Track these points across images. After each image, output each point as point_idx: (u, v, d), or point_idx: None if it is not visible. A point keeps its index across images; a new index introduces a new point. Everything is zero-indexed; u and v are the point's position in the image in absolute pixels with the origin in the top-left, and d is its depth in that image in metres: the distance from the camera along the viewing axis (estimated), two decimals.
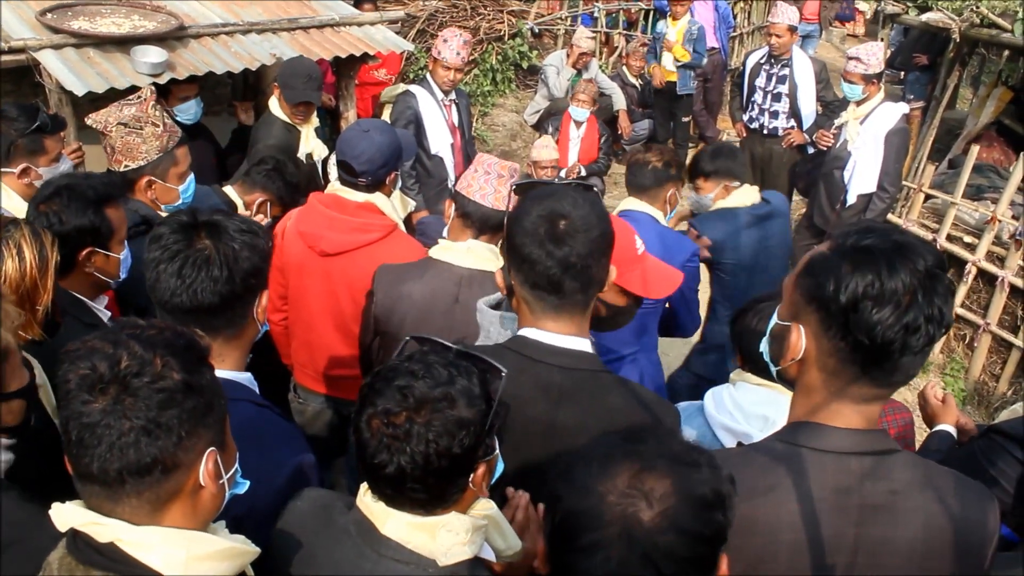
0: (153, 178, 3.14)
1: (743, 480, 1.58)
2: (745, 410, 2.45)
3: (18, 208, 3.15)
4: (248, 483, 1.55)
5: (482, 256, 2.82)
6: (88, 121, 3.10)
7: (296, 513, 1.73)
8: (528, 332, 1.97)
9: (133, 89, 4.44)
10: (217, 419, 1.42)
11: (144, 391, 1.30)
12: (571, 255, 1.86)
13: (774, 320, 1.72)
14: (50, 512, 1.36)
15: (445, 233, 3.01)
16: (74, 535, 1.36)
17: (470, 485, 1.60)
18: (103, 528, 1.32)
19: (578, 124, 7.47)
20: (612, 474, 1.29)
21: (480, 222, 2.84)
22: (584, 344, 1.98)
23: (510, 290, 2.01)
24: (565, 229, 1.86)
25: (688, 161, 4.37)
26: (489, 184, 2.85)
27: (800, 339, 1.61)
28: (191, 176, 3.32)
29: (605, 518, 1.26)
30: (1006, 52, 7.69)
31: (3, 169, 3.25)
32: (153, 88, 3.25)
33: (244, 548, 1.45)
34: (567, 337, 1.95)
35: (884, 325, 1.48)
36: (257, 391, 2.13)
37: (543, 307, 1.94)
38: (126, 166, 3.11)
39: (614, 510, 1.26)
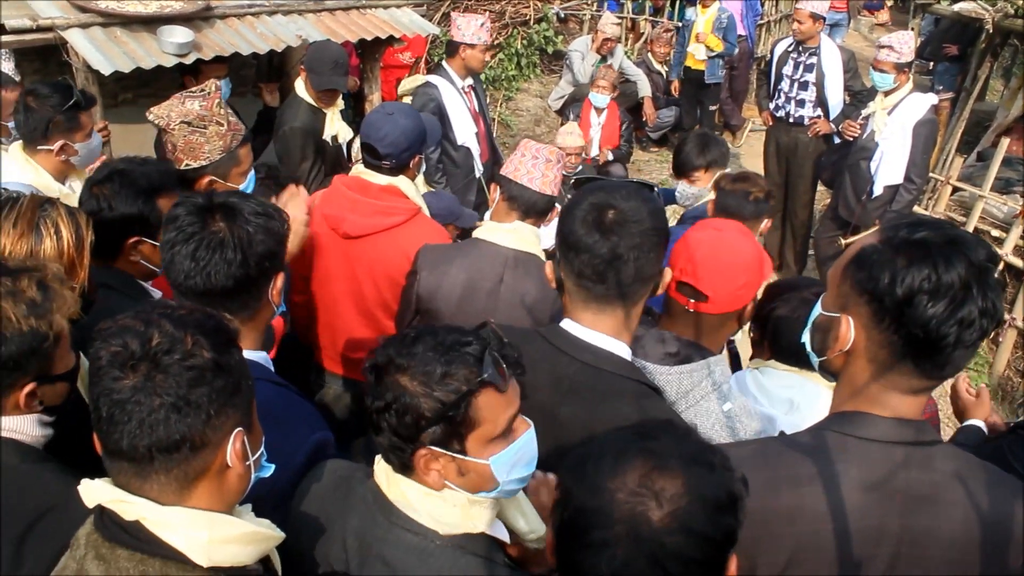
0: (215, 178, 3.05)
1: (788, 467, 1.59)
2: (771, 393, 2.43)
3: (47, 186, 3.17)
4: (273, 467, 1.56)
5: (526, 238, 2.85)
6: (150, 116, 3.03)
7: (316, 483, 1.76)
8: (565, 323, 1.97)
9: (159, 69, 4.47)
10: (245, 400, 1.43)
11: (175, 368, 1.31)
12: (618, 245, 1.85)
13: (818, 310, 1.71)
14: (79, 488, 1.37)
15: (487, 216, 3.02)
16: (101, 512, 1.37)
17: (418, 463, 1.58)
18: (129, 506, 1.34)
19: (599, 111, 7.44)
20: (623, 471, 1.28)
21: (526, 206, 2.86)
22: (619, 347, 1.95)
23: (559, 283, 1.99)
24: (614, 219, 1.86)
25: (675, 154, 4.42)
26: (537, 168, 2.86)
27: (849, 330, 1.60)
28: (251, 174, 3.24)
29: (613, 516, 1.25)
30: None
31: (40, 147, 3.27)
32: (218, 84, 3.20)
33: (268, 533, 1.46)
34: (602, 336, 1.93)
35: (939, 319, 1.47)
36: (272, 370, 2.15)
37: (585, 299, 1.92)
38: (187, 165, 3.02)
39: (623, 508, 1.25)
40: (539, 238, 2.90)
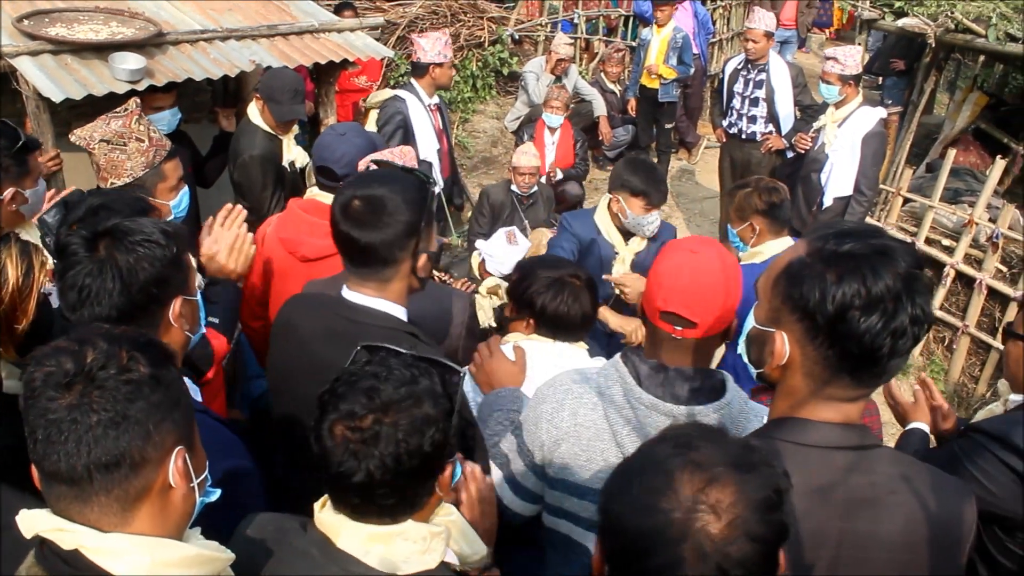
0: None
1: None
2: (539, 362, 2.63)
3: None
4: (220, 492, 1.52)
5: None
6: (72, 138, 2.99)
7: (243, 541, 1.66)
8: (343, 289, 2.28)
9: (112, 96, 4.43)
10: (185, 418, 1.41)
11: (111, 382, 1.29)
12: (352, 232, 2.15)
13: (751, 323, 1.71)
14: (17, 519, 1.33)
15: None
16: (41, 543, 1.33)
17: (436, 490, 1.61)
18: (67, 535, 1.30)
19: (552, 130, 7.48)
20: (675, 490, 1.24)
21: None
22: (386, 305, 2.23)
23: None
24: (356, 208, 2.14)
25: (638, 182, 4.08)
26: None
27: (784, 346, 1.61)
28: (184, 190, 3.21)
29: (674, 536, 1.22)
30: (981, 57, 7.78)
31: None
32: (138, 101, 3.15)
33: (215, 555, 1.42)
34: (365, 296, 2.23)
35: (873, 332, 1.49)
36: (199, 398, 2.12)
37: (346, 267, 2.27)
38: (112, 183, 3.01)
39: (682, 527, 1.22)
40: None
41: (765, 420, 2.01)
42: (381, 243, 2.14)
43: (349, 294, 2.24)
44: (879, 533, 1.60)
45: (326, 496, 1.61)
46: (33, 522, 1.32)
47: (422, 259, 2.22)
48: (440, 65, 5.39)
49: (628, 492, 1.29)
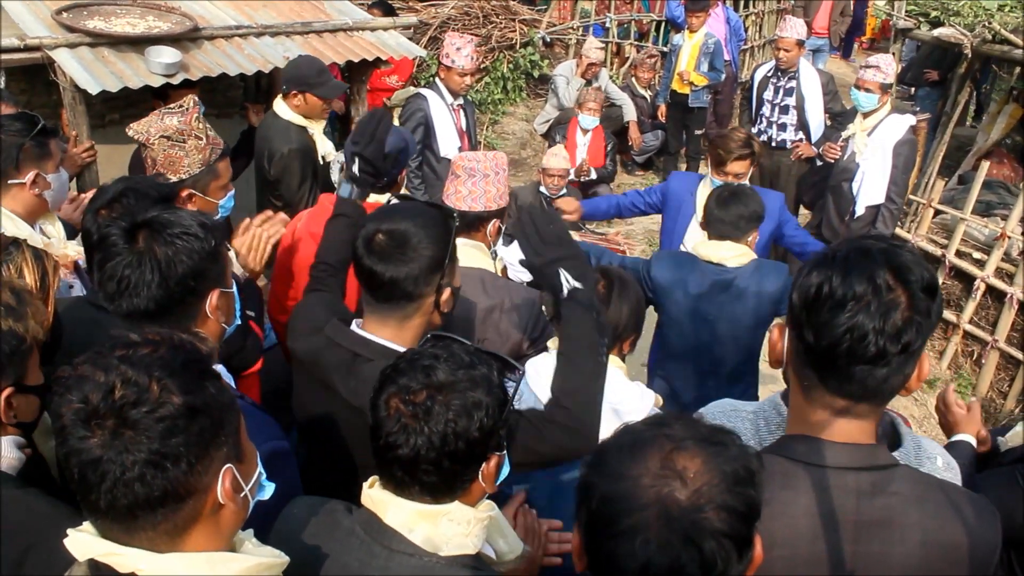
0: (194, 191, 3.03)
1: None
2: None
3: (23, 232, 2.84)
4: (274, 485, 1.50)
5: (469, 255, 2.93)
6: (129, 132, 3.01)
7: (293, 522, 1.71)
8: (354, 324, 2.25)
9: (147, 89, 4.48)
10: (230, 433, 1.34)
11: (144, 422, 1.22)
12: (375, 267, 2.12)
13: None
14: (65, 542, 1.29)
15: None
16: (95, 563, 1.29)
17: (479, 478, 1.64)
18: (122, 559, 1.26)
19: (584, 131, 7.48)
20: (644, 457, 1.27)
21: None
22: (385, 342, 2.17)
23: None
24: (380, 242, 2.12)
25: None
26: (451, 187, 2.99)
27: (781, 338, 1.66)
28: (232, 191, 3.22)
29: (641, 501, 1.24)
30: (1017, 69, 7.69)
31: (12, 180, 2.89)
32: (196, 99, 3.15)
33: (271, 562, 1.39)
34: (377, 338, 2.18)
35: (830, 325, 1.49)
36: (232, 383, 2.11)
37: (366, 304, 2.22)
38: (167, 179, 3.00)
39: (649, 492, 1.24)
40: (482, 251, 3.02)
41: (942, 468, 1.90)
42: (405, 277, 2.12)
43: (359, 331, 2.22)
44: (893, 556, 1.56)
45: (374, 477, 1.67)
46: (85, 547, 1.28)
47: (446, 293, 2.20)
48: (448, 68, 5.43)
49: (602, 462, 1.32)
